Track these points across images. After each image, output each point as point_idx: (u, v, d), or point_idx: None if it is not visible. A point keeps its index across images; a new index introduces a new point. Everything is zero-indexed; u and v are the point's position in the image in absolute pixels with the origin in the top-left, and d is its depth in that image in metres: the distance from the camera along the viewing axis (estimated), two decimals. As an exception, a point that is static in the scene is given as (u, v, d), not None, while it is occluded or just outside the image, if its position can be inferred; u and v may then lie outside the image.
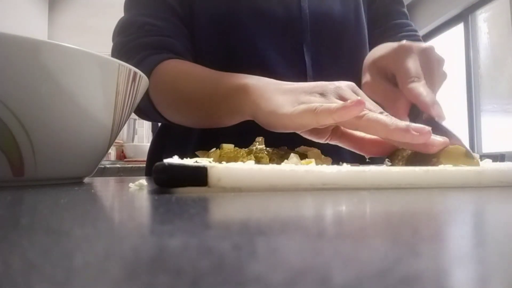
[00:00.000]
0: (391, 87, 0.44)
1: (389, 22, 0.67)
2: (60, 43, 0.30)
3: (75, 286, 0.07)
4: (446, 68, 0.46)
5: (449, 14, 2.94)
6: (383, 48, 0.46)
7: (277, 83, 0.42)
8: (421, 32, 3.32)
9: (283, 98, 0.38)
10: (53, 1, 2.88)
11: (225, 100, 0.45)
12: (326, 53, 0.59)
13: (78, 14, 2.90)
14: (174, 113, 0.54)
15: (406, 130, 0.30)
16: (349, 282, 0.07)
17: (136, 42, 0.53)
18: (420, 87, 0.39)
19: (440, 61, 0.45)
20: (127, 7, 0.60)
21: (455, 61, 2.84)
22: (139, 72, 0.37)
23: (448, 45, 2.99)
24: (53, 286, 0.06)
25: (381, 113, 0.34)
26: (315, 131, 0.39)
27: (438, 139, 0.31)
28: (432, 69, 0.42)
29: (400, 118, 0.34)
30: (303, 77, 0.57)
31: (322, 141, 0.40)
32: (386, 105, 0.43)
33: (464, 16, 2.84)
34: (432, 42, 3.14)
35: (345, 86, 0.38)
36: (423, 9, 3.13)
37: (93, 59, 0.32)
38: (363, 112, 0.33)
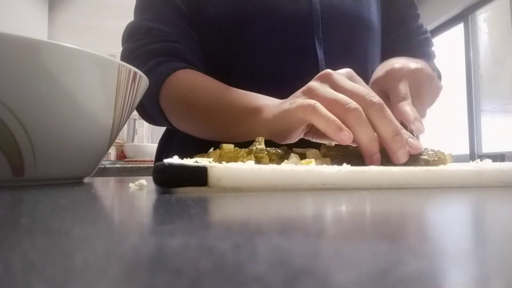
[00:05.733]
0: (386, 102, 0.48)
1: (406, 26, 0.70)
2: (60, 43, 0.30)
3: (75, 286, 0.06)
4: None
5: (449, 14, 2.94)
6: (381, 70, 0.50)
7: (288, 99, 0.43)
8: (421, 32, 3.32)
9: (285, 103, 0.40)
10: (53, 1, 2.88)
11: (239, 120, 0.46)
12: (339, 48, 0.59)
13: (78, 14, 2.90)
14: (185, 125, 0.55)
15: (339, 130, 0.33)
16: (349, 282, 0.07)
17: (144, 49, 0.54)
18: (405, 106, 0.44)
19: (431, 79, 0.50)
20: (135, 10, 0.60)
21: (455, 61, 2.84)
22: (139, 72, 0.37)
23: (448, 45, 2.99)
24: (53, 286, 0.06)
25: (369, 100, 0.35)
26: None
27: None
28: (421, 89, 0.48)
29: None
30: (315, 73, 0.57)
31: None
32: None
33: (464, 16, 2.84)
34: (432, 42, 3.14)
35: (344, 72, 0.39)
36: (423, 9, 3.13)
37: (93, 59, 0.32)
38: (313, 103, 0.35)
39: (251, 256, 0.08)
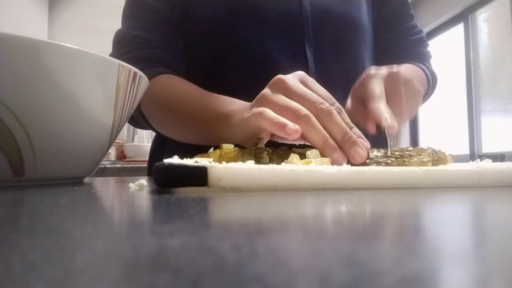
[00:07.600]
0: (363, 109, 0.48)
1: (398, 26, 0.70)
2: (60, 43, 0.30)
3: (75, 286, 0.07)
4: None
5: (449, 14, 2.94)
6: (358, 80, 0.50)
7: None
8: (421, 32, 3.32)
9: (245, 111, 0.41)
10: (53, 1, 2.88)
11: (212, 126, 0.47)
12: (329, 49, 0.59)
13: (78, 14, 2.90)
14: (166, 129, 0.56)
15: (283, 126, 0.33)
16: (349, 282, 0.07)
17: (127, 56, 0.55)
18: (378, 105, 0.43)
19: (408, 82, 0.49)
20: (122, 18, 0.61)
21: (455, 61, 2.84)
22: (139, 72, 0.37)
23: (448, 45, 2.99)
24: (53, 286, 0.06)
25: (332, 104, 0.37)
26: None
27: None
28: (398, 90, 0.47)
29: (369, 132, 0.40)
30: None
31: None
32: (361, 123, 0.47)
33: (464, 16, 2.84)
34: (432, 42, 3.14)
35: (296, 76, 0.39)
36: (423, 9, 3.13)
37: (93, 59, 0.32)
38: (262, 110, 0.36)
39: (251, 256, 0.08)
